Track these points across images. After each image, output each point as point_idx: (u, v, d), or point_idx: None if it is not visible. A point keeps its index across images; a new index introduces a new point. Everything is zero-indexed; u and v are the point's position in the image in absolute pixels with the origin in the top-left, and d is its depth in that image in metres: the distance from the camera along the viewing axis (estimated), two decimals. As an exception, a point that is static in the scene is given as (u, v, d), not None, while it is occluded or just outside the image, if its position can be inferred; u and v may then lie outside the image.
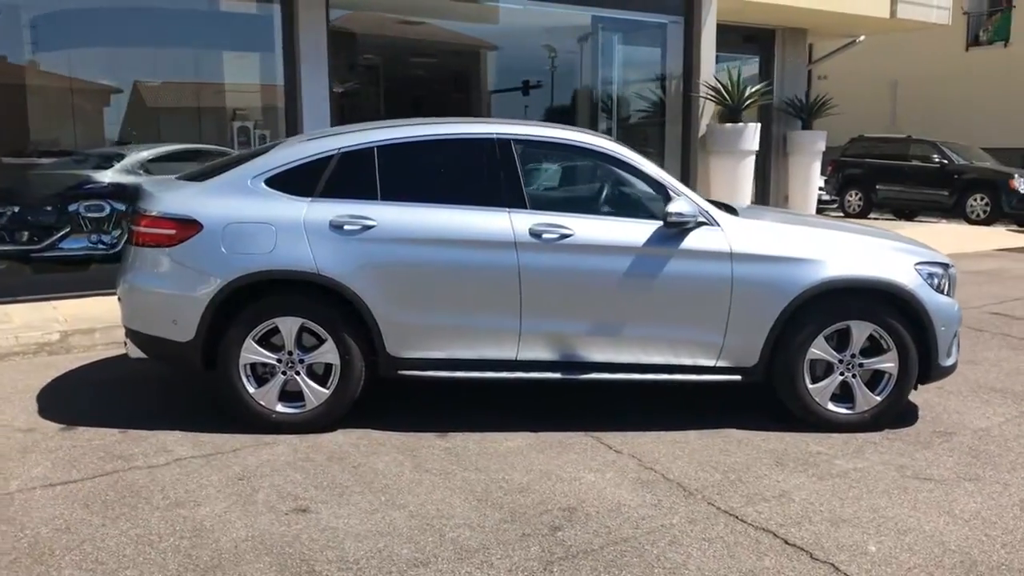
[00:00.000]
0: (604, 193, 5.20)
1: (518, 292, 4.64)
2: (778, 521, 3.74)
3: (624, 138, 11.57)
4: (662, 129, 11.84)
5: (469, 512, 3.79)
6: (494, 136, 4.82)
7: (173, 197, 4.70)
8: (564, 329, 4.72)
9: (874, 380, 4.85)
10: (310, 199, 4.66)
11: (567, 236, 4.64)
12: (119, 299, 4.88)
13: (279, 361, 4.66)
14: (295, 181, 4.71)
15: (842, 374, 4.81)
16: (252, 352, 4.62)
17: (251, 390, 4.65)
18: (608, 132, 11.74)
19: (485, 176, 4.79)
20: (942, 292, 4.88)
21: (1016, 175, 16.42)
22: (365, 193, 4.73)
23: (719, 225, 4.74)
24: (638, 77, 12.48)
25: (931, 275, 4.86)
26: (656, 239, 4.69)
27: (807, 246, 4.77)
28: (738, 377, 4.82)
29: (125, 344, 4.94)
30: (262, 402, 4.66)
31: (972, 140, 19.39)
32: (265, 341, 4.65)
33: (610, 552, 3.46)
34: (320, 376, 4.70)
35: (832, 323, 4.75)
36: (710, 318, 4.72)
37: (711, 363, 4.80)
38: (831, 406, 4.83)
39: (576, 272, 4.67)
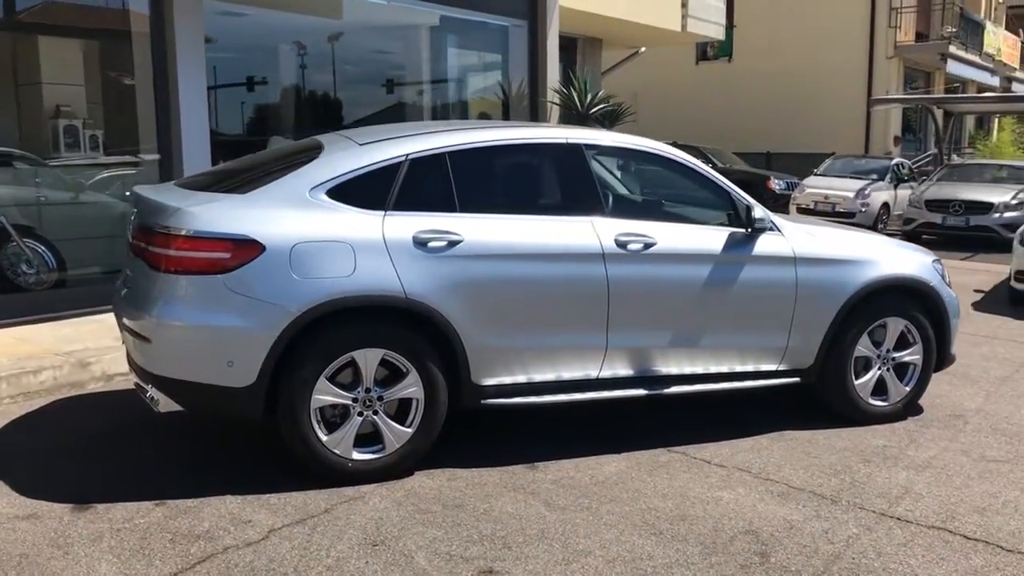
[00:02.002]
0: (673, 200, 5.05)
1: (606, 306, 4.36)
2: (937, 518, 3.83)
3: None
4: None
5: (661, 549, 3.50)
6: (567, 141, 4.49)
7: (215, 213, 3.87)
8: (648, 343, 4.52)
9: (899, 372, 5.14)
10: (384, 212, 4.06)
11: (651, 245, 4.45)
12: (135, 338, 3.94)
13: (355, 400, 4.01)
14: (362, 192, 4.08)
15: (878, 369, 5.05)
16: (326, 393, 3.94)
17: (323, 437, 3.96)
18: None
19: (562, 183, 4.46)
20: (949, 286, 5.29)
21: (772, 176, 18.28)
22: (441, 204, 4.21)
23: (779, 229, 4.78)
24: (478, 80, 12.30)
25: (941, 272, 5.25)
26: (730, 245, 4.63)
27: (855, 248, 4.95)
28: (796, 379, 4.89)
29: (147, 396, 3.99)
30: (337, 450, 3.99)
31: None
32: (333, 379, 3.98)
33: (843, 571, 3.35)
34: (398, 414, 4.11)
35: (875, 320, 4.97)
36: (776, 322, 4.75)
37: (774, 367, 4.84)
38: (871, 400, 5.05)
39: (660, 282, 4.49)
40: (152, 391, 3.93)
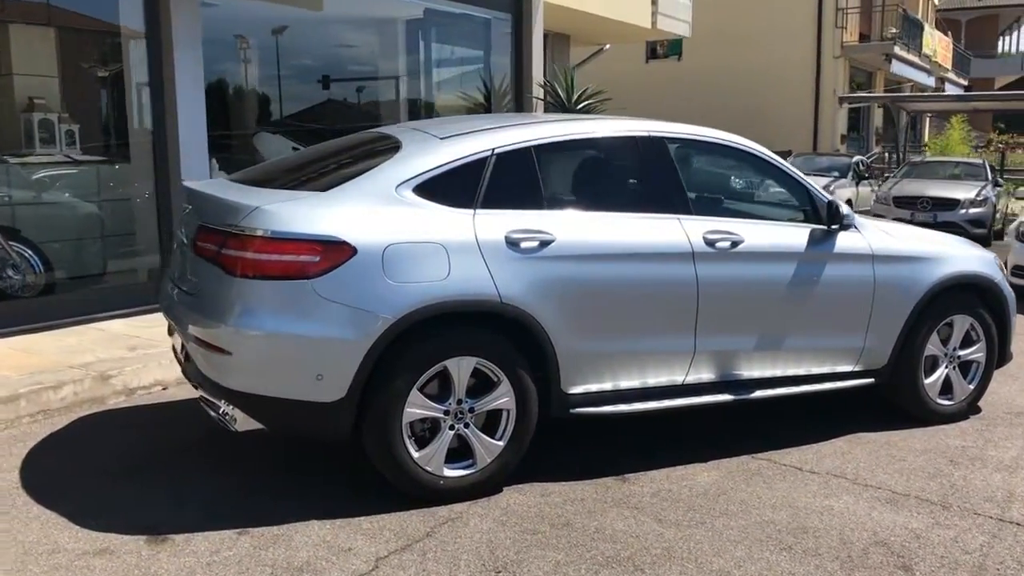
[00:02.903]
0: (753, 196, 4.87)
1: (695, 307, 4.16)
2: (1056, 521, 3.73)
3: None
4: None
5: (799, 566, 3.30)
6: (649, 134, 4.27)
7: (299, 212, 3.53)
8: (734, 346, 4.33)
9: (963, 371, 5.05)
10: (473, 210, 3.78)
11: (738, 243, 4.25)
12: (207, 350, 3.57)
13: (446, 413, 3.72)
14: (450, 188, 3.79)
15: (945, 367, 4.97)
16: (418, 405, 3.64)
17: (415, 454, 3.66)
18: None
19: (648, 178, 4.23)
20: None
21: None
22: (529, 201, 3.94)
23: (857, 226, 4.64)
24: (458, 74, 11.99)
25: (1002, 269, 5.19)
26: (813, 243, 4.47)
27: (926, 245, 4.86)
28: (871, 380, 4.76)
29: (218, 413, 3.63)
30: (428, 467, 3.69)
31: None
32: (423, 391, 3.68)
33: (995, 583, 3.21)
34: (486, 427, 3.83)
35: (944, 319, 4.88)
36: (855, 321, 4.61)
37: (850, 368, 4.70)
38: (939, 400, 4.96)
39: (747, 282, 4.30)
40: (227, 408, 3.57)
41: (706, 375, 4.30)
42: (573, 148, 4.16)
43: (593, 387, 4.04)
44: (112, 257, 7.22)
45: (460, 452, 3.79)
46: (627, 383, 4.12)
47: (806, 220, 4.59)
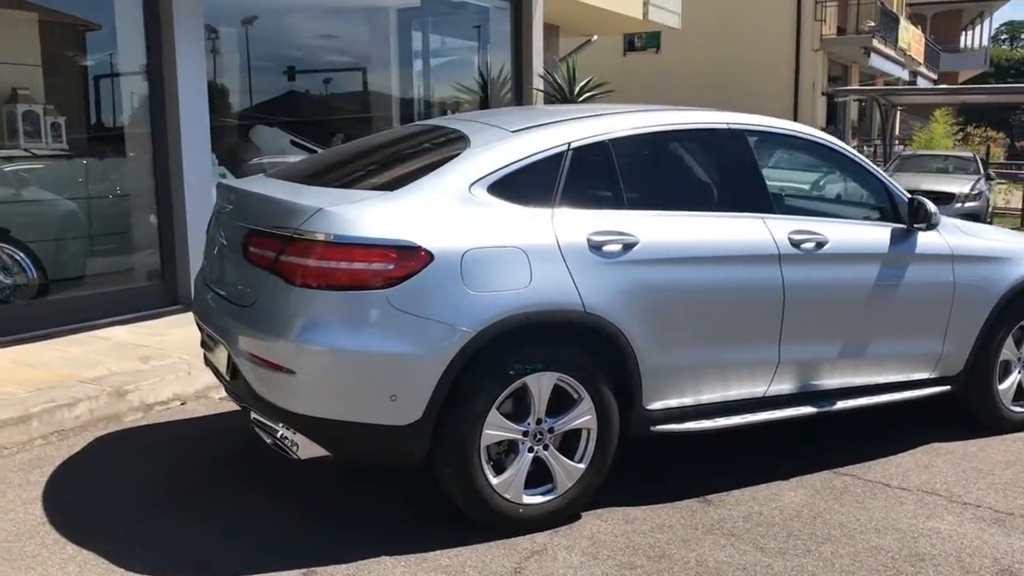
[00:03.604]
0: (828, 192, 4.57)
1: (780, 314, 3.85)
2: None
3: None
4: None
5: (929, 599, 3.02)
6: (728, 126, 3.96)
7: (369, 215, 3.16)
8: (818, 354, 4.04)
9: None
10: (551, 210, 3.43)
11: (822, 244, 3.96)
12: (265, 368, 3.18)
13: (524, 434, 3.38)
14: (525, 187, 3.44)
15: (1018, 372, 4.73)
16: (497, 427, 3.29)
17: (493, 480, 3.32)
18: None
19: (730, 174, 3.92)
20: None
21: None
22: (608, 200, 3.62)
23: (936, 225, 4.37)
24: (455, 64, 11.59)
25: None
26: (895, 243, 4.20)
27: (1002, 244, 4.62)
28: (947, 388, 4.50)
29: (276, 437, 3.24)
30: (507, 494, 3.35)
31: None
32: (501, 410, 3.34)
33: None
34: (563, 448, 3.49)
35: (1018, 322, 4.64)
36: (934, 326, 4.35)
37: (927, 376, 4.44)
38: (1012, 406, 4.72)
39: (831, 286, 4.01)
40: (287, 432, 3.19)
41: (788, 386, 4.00)
42: (651, 142, 3.83)
43: (674, 402, 3.72)
44: (109, 259, 6.75)
45: (538, 476, 3.45)
46: (709, 397, 3.81)
47: (882, 218, 4.32)
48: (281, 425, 3.21)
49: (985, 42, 50.73)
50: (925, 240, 4.28)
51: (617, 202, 3.61)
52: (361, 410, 3.13)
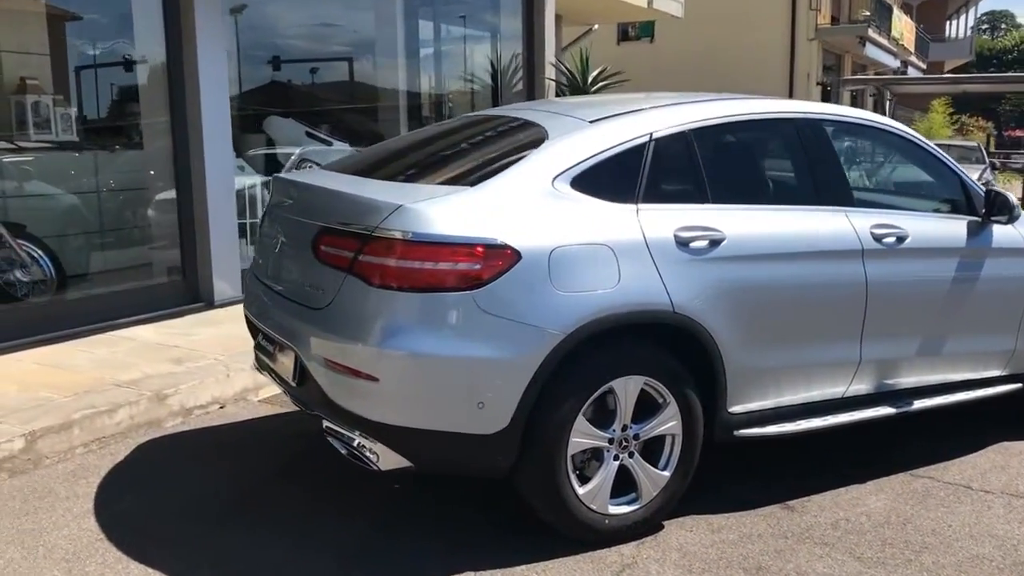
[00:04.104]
0: (901, 184, 4.42)
1: (863, 311, 3.70)
2: None
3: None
4: (495, 113, 10.87)
5: (1047, 612, 2.88)
6: (807, 116, 3.79)
7: (452, 211, 2.97)
8: (897, 353, 3.90)
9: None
10: (635, 205, 3.26)
11: (903, 239, 3.81)
12: (343, 375, 2.98)
13: (610, 441, 3.21)
14: (608, 180, 3.26)
15: (1085, 368, 4.60)
16: (584, 434, 3.13)
17: (580, 490, 3.15)
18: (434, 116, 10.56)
19: (811, 166, 3.75)
20: None
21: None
22: (691, 194, 3.45)
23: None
24: (464, 54, 11.36)
25: None
26: (971, 237, 4.06)
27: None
28: (1019, 386, 4.36)
29: (353, 447, 3.05)
30: (593, 505, 3.18)
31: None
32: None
33: None
34: (646, 455, 3.33)
35: (1086, 316, 4.51)
36: (1008, 322, 4.22)
37: (999, 373, 4.31)
38: (1078, 404, 4.59)
39: (911, 282, 3.87)
40: (366, 442, 3.00)
41: (866, 386, 3.86)
42: (732, 132, 3.67)
43: (755, 405, 3.56)
44: (127, 256, 6.51)
45: (620, 486, 3.28)
46: (789, 399, 3.65)
47: (953, 211, 4.17)
48: (359, 434, 3.02)
49: (969, 31, 50.88)
50: (1000, 233, 4.14)
51: (701, 196, 3.44)
52: (447, 418, 2.95)
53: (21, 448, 3.74)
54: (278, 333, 3.34)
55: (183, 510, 3.46)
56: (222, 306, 6.36)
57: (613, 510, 3.24)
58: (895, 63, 29.88)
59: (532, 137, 3.36)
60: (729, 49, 24.28)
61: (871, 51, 25.91)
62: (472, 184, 3.12)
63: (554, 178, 3.15)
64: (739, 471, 3.93)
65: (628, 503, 3.28)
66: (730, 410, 3.48)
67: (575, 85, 10.51)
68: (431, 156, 3.67)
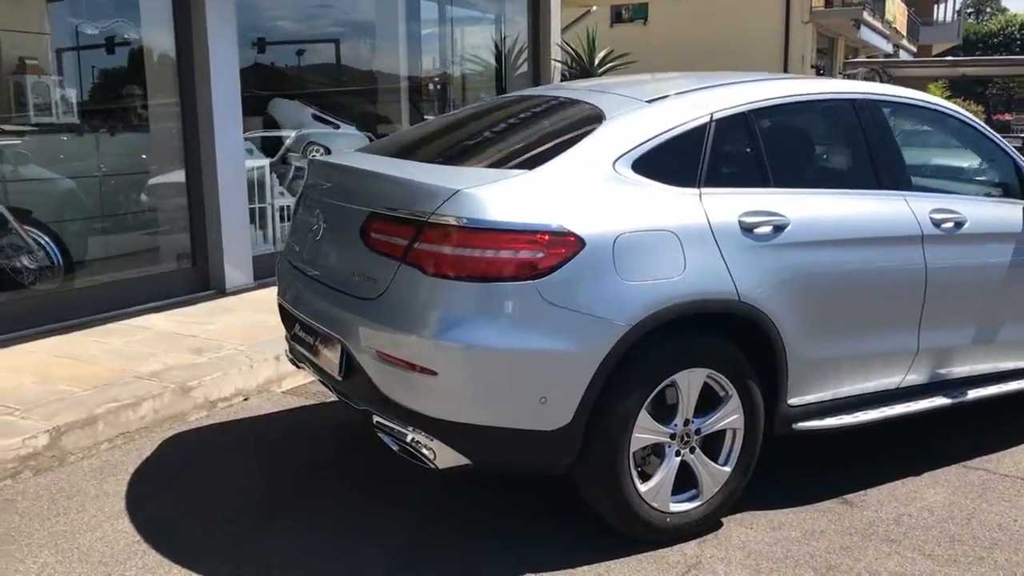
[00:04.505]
0: (958, 168, 4.29)
1: (922, 299, 3.58)
2: None
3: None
4: (499, 95, 10.69)
5: None
6: (865, 97, 3.65)
7: (511, 196, 2.81)
8: (954, 341, 3.78)
9: None
10: (697, 189, 3.11)
11: (961, 224, 3.69)
12: (399, 368, 2.83)
13: (672, 436, 3.08)
14: (669, 163, 3.11)
15: None
16: (647, 429, 2.99)
17: (641, 488, 3.01)
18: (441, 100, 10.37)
19: (869, 149, 3.61)
20: None
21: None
22: (753, 177, 3.31)
23: (1071, 203, 4.12)
24: (466, 34, 11.14)
25: None
26: (1026, 222, 3.94)
27: None
28: (1066, 375, 4.26)
29: (406, 444, 2.90)
30: (654, 503, 3.05)
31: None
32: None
33: None
34: (708, 450, 3.20)
35: None
36: (1058, 309, 4.10)
37: (1052, 361, 4.20)
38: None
39: (969, 268, 3.75)
40: (422, 438, 2.85)
41: (922, 376, 3.74)
42: (792, 112, 3.52)
43: (814, 397, 3.44)
44: (136, 242, 6.32)
45: (680, 482, 3.15)
46: (847, 390, 3.53)
47: (1007, 195, 4.05)
48: (411, 429, 2.87)
49: (956, 15, 50.90)
50: (1054, 218, 4.02)
51: (762, 179, 3.29)
52: (508, 414, 2.81)
53: (45, 445, 3.57)
54: (322, 324, 3.18)
55: (220, 509, 3.30)
56: (234, 293, 6.19)
57: (674, 508, 3.11)
58: (888, 46, 29.83)
59: (587, 117, 3.21)
60: (723, 32, 24.10)
61: (865, 34, 25.82)
62: (529, 167, 2.96)
63: (615, 160, 3.00)
64: (788, 464, 3.81)
65: (688, 500, 3.15)
66: (789, 402, 3.35)
67: (582, 67, 10.33)
68: (477, 137, 3.50)
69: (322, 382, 3.39)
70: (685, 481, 3.15)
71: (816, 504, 3.47)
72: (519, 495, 3.42)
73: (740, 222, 3.10)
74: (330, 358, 3.17)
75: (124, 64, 6.54)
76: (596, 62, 10.35)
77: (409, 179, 2.96)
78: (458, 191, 2.79)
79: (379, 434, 3.01)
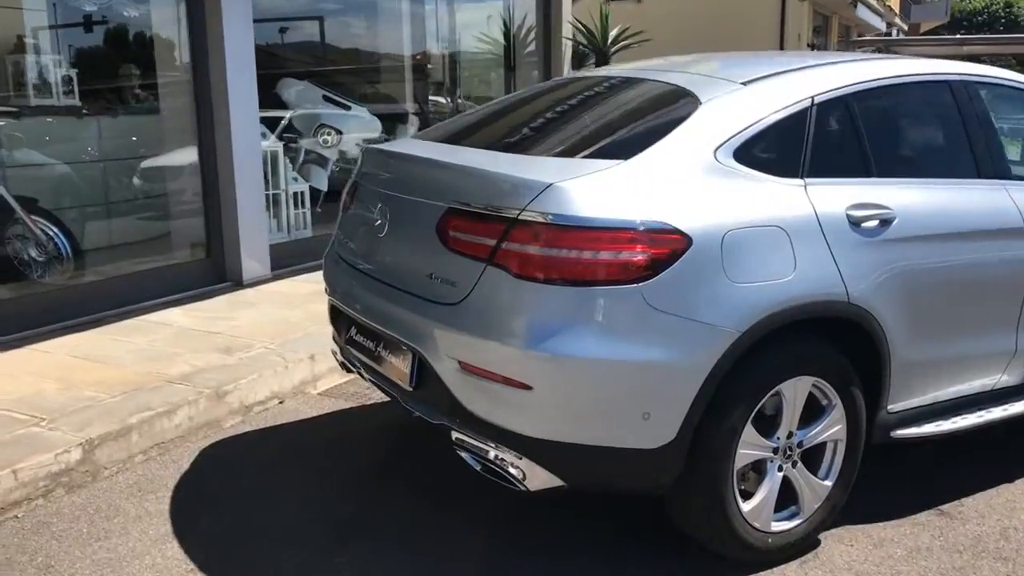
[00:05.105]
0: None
1: (1022, 296, 3.34)
2: None
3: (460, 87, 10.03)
4: (508, 76, 10.37)
5: None
6: (961, 78, 3.38)
7: (606, 189, 2.54)
8: (1049, 340, 3.54)
9: None
10: (802, 180, 2.85)
11: (1061, 217, 3.44)
12: (484, 380, 2.56)
13: (774, 450, 2.83)
14: (769, 151, 2.85)
15: None
16: (751, 444, 2.74)
17: (744, 507, 2.77)
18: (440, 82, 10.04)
19: (969, 135, 3.35)
20: None
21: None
22: (854, 166, 3.04)
23: None
24: (471, 11, 10.76)
25: None
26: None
27: None
28: None
29: (495, 463, 2.63)
30: (756, 523, 2.81)
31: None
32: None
33: None
34: (807, 463, 2.95)
35: None
36: None
37: None
38: None
39: (1068, 263, 3.50)
40: (509, 457, 2.58)
41: (1015, 378, 3.50)
42: (891, 95, 3.25)
43: (913, 402, 3.20)
44: (147, 232, 5.98)
45: (779, 499, 2.90)
46: (943, 394, 3.29)
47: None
48: (496, 447, 2.60)
49: (946, -7, 50.73)
50: None
51: (865, 169, 3.04)
52: (608, 431, 2.54)
53: (79, 459, 3.27)
54: (389, 329, 2.90)
55: (278, 530, 3.02)
56: (251, 285, 5.88)
57: (775, 527, 2.87)
58: (882, 25, 29.60)
59: (676, 100, 2.92)
60: (719, 10, 23.75)
61: (861, 12, 25.57)
62: (623, 156, 2.67)
63: (716, 148, 2.72)
64: (873, 472, 3.57)
65: (788, 518, 2.91)
66: (889, 408, 3.11)
67: (595, 45, 10.01)
68: (550, 124, 3.21)
69: (384, 391, 3.10)
70: (784, 498, 2.91)
71: (912, 516, 3.24)
72: (608, 511, 3.16)
73: (848, 216, 2.84)
74: (398, 367, 2.89)
75: (131, 41, 6.17)
76: (610, 40, 10.01)
77: (492, 171, 2.68)
78: (551, 184, 2.51)
79: (458, 451, 2.74)
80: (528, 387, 2.48)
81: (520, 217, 2.51)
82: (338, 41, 9.55)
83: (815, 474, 2.95)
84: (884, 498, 3.32)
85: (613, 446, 2.55)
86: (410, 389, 2.85)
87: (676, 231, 2.51)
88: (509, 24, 10.32)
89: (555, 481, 2.59)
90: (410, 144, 3.24)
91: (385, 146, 3.25)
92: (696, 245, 2.53)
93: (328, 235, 7.09)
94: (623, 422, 2.53)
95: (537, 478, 2.58)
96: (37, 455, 3.18)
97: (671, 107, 2.91)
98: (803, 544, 2.95)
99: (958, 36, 28.23)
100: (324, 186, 7.38)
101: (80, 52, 6.09)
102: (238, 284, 5.86)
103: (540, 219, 2.48)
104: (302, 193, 6.95)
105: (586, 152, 2.78)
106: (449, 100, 10.07)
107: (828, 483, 2.96)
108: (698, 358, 2.53)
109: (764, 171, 2.78)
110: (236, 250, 5.89)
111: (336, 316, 3.36)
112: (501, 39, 10.44)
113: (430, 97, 10.20)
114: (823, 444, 2.95)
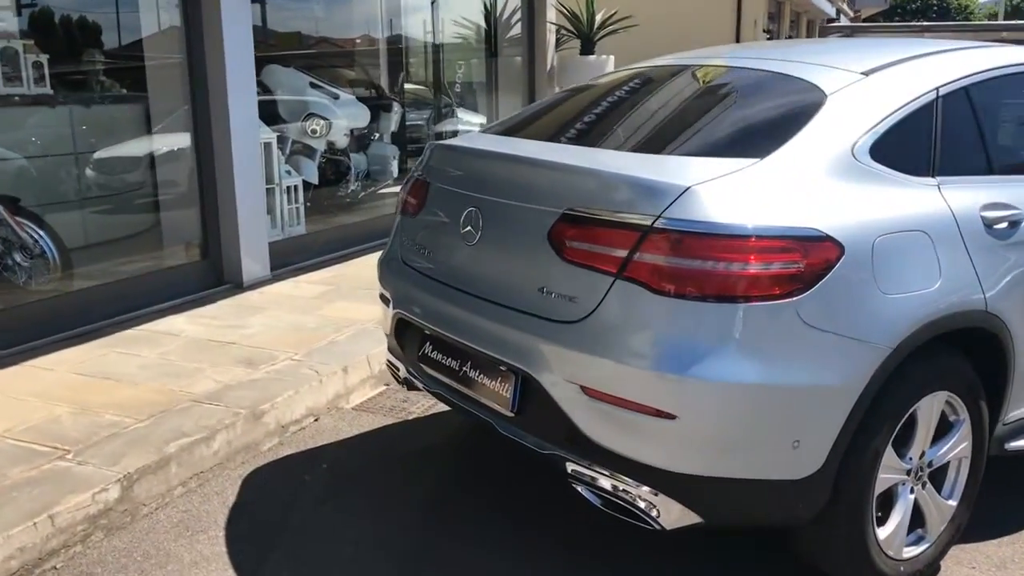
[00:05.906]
0: None
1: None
2: None
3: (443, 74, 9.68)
4: (490, 62, 10.04)
5: None
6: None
7: (750, 193, 2.27)
8: None
9: None
10: (935, 179, 2.62)
11: None
12: (616, 408, 2.27)
13: (908, 472, 2.61)
14: (903, 148, 2.61)
15: None
16: (890, 468, 2.52)
17: (880, 536, 2.55)
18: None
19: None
20: None
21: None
22: (978, 164, 2.83)
23: None
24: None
25: None
26: None
27: None
28: None
29: (623, 499, 2.35)
30: (890, 551, 2.59)
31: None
32: (885, 444, 2.56)
33: None
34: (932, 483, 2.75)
35: None
36: None
37: None
38: None
39: None
40: (642, 494, 2.30)
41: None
42: (1007, 86, 3.03)
43: (1021, 412, 3.01)
44: (139, 233, 5.54)
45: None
46: (1042, 405, 3.11)
47: None
48: (625, 480, 2.32)
49: (889, -20, 51.62)
50: None
51: (988, 166, 2.83)
52: (755, 463, 2.28)
53: (117, 498, 2.91)
54: (484, 348, 2.59)
55: (345, 571, 2.70)
56: (251, 288, 5.50)
57: (906, 554, 2.65)
58: (832, 10, 29.87)
59: (804, 95, 2.66)
60: (674, -4, 23.66)
61: (816, -2, 25.75)
62: (757, 155, 2.41)
63: (853, 145, 2.48)
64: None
65: (915, 543, 2.71)
66: (1005, 420, 2.92)
67: (579, 30, 9.74)
68: (661, 118, 2.91)
69: (472, 414, 2.78)
70: (913, 519, 2.69)
71: (1015, 535, 3.05)
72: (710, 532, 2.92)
73: (982, 217, 2.63)
74: (496, 390, 2.59)
75: (121, 24, 5.69)
76: (596, 25, 9.75)
77: (616, 172, 2.39)
78: (689, 188, 2.24)
79: (575, 486, 2.45)
80: (672, 416, 2.20)
81: (656, 225, 2.22)
82: (320, 26, 9.10)
83: (940, 493, 2.74)
84: (999, 516, 3.13)
85: (757, 478, 2.29)
86: (510, 415, 2.56)
87: (829, 239, 2.26)
88: (491, 8, 9.97)
89: (690, 518, 2.32)
90: (497, 141, 2.92)
91: (462, 142, 2.94)
92: (848, 254, 2.28)
93: (319, 231, 6.73)
94: (772, 452, 2.28)
95: (674, 516, 2.31)
96: (72, 495, 2.81)
97: (795, 100, 2.65)
98: (930, 570, 2.74)
99: (927, 23, 28.56)
100: (315, 179, 6.98)
101: (56, 36, 5.60)
102: (238, 286, 5.47)
103: (679, 227, 2.21)
104: (296, 187, 6.55)
105: (714, 150, 2.51)
106: (431, 88, 9.71)
107: (952, 503, 2.76)
108: (850, 378, 2.29)
109: (900, 170, 2.54)
110: (235, 250, 5.50)
111: (403, 330, 3.03)
112: (483, 22, 10.09)
113: (411, 82, 9.84)
114: (948, 462, 2.74)
